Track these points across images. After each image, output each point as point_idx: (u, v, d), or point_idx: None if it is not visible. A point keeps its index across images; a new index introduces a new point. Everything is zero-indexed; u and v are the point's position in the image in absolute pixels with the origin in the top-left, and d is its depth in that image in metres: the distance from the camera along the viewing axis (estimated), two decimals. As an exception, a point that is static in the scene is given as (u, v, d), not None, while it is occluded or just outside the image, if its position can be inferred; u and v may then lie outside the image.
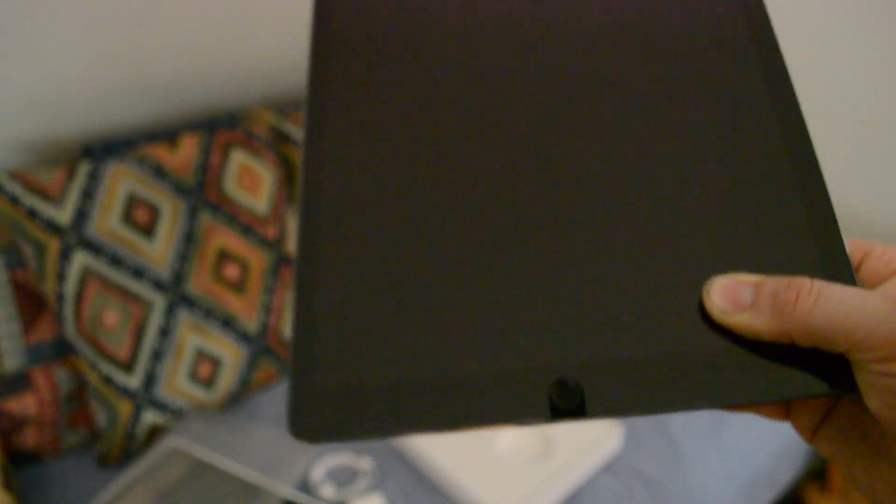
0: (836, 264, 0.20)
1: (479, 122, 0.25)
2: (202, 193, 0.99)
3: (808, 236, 0.21)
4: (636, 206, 0.22)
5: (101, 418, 0.92)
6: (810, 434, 0.22)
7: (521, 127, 0.24)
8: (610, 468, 0.92)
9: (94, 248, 0.90)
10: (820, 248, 0.21)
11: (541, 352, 0.21)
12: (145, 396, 0.93)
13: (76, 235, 0.89)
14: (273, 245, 1.06)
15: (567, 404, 0.20)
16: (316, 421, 0.21)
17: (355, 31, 0.27)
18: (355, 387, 0.21)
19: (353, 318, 0.22)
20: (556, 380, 0.20)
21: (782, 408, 0.23)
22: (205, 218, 0.99)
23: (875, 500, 0.20)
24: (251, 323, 1.02)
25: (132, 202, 0.94)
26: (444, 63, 0.26)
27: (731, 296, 0.20)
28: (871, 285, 0.21)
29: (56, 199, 0.89)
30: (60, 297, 0.89)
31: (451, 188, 0.24)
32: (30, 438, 0.92)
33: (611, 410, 0.20)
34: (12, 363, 0.90)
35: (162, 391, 0.95)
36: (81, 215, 0.90)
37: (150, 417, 0.94)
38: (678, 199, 0.22)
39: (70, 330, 0.90)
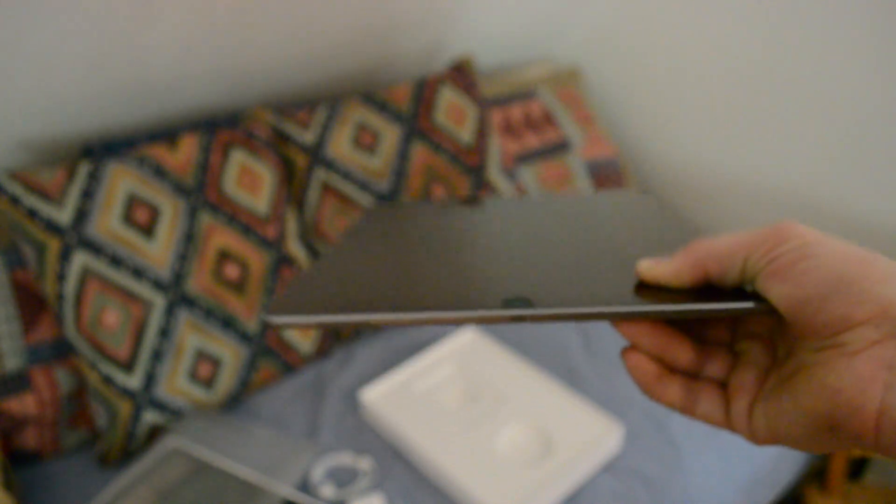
0: None
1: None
2: (202, 193, 0.99)
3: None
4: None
5: (101, 418, 0.92)
6: (746, 422, 0.27)
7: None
8: (610, 468, 0.92)
9: (94, 248, 0.90)
10: None
11: (500, 283, 0.28)
12: (145, 396, 0.93)
13: (76, 235, 0.89)
14: (273, 245, 1.06)
15: (517, 304, 0.26)
16: (288, 303, 0.26)
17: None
18: (332, 289, 0.27)
19: (348, 267, 0.30)
20: (512, 295, 0.26)
21: (724, 411, 0.28)
22: (205, 218, 0.99)
23: (794, 440, 0.25)
24: (251, 323, 1.02)
25: (132, 202, 0.94)
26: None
27: (656, 259, 0.28)
28: None
29: (56, 199, 0.89)
30: (60, 297, 0.89)
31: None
32: (30, 438, 0.92)
33: (552, 306, 0.26)
34: (12, 363, 0.90)
35: (162, 391, 0.95)
36: (81, 215, 0.90)
37: (150, 417, 0.94)
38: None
39: (70, 330, 0.90)
